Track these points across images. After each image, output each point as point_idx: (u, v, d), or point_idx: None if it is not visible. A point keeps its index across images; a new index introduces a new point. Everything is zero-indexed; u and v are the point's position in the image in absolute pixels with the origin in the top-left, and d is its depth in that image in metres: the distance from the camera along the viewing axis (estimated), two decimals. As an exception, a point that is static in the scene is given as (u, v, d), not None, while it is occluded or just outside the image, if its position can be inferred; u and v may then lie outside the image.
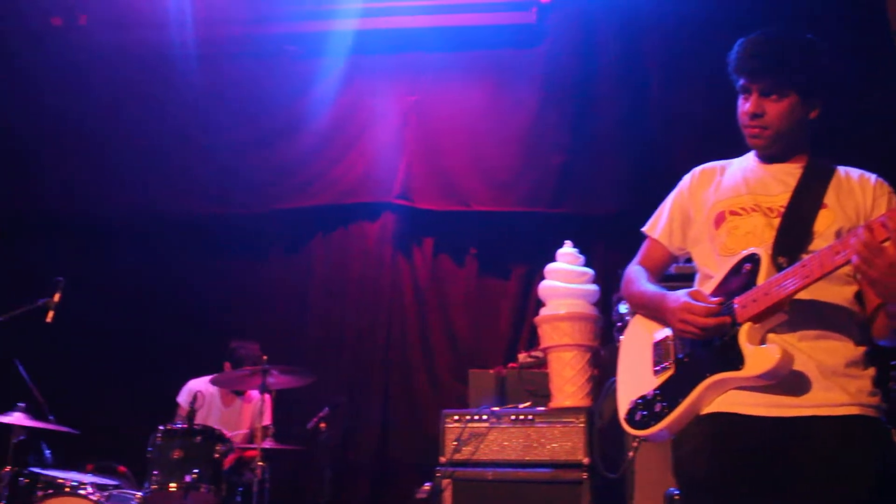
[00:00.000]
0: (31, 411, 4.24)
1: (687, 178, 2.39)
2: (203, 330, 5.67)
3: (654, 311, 2.23)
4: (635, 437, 2.31)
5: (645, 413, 2.15)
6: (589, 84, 5.57)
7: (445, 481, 3.90)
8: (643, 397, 2.18)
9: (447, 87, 5.81)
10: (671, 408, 2.08)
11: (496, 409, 4.04)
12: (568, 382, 4.10)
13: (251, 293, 5.85)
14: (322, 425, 4.51)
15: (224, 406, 5.19)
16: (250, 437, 5.03)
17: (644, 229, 2.45)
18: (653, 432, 2.12)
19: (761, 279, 1.99)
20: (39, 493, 4.01)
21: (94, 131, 5.92)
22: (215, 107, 5.87)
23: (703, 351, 2.07)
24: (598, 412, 3.49)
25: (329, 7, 5.77)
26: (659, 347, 2.21)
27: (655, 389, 2.15)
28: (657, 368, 2.18)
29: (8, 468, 4.04)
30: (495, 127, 5.64)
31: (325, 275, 5.81)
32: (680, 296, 2.12)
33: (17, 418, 4.10)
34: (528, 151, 5.56)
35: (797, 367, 1.95)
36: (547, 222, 5.46)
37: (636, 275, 2.38)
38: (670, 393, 2.11)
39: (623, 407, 2.24)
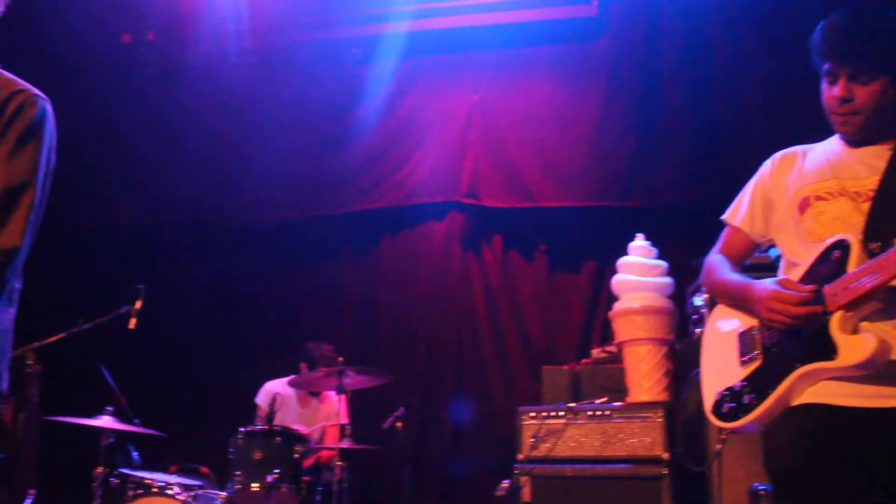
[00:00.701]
0: (118, 415, 4.37)
1: (768, 164, 2.33)
2: (278, 333, 5.79)
3: (740, 301, 2.18)
4: (722, 429, 2.27)
5: (733, 405, 2.10)
6: (653, 74, 5.48)
7: (524, 478, 3.90)
8: (730, 389, 2.13)
9: (510, 84, 5.79)
10: (760, 399, 2.03)
11: (572, 405, 4.02)
12: (644, 377, 4.05)
13: (323, 296, 5.94)
14: (398, 424, 4.55)
15: (301, 407, 5.27)
16: (327, 438, 5.11)
17: (724, 217, 2.40)
18: (741, 424, 2.07)
19: (852, 266, 1.93)
20: (130, 493, 4.12)
21: (167, 143, 6.07)
22: (279, 114, 5.95)
23: (792, 341, 2.02)
24: (682, 404, 3.44)
25: (390, 9, 5.81)
26: (745, 338, 2.16)
27: (743, 380, 2.11)
28: (744, 359, 2.13)
29: (100, 469, 4.16)
30: (560, 122, 5.60)
31: (395, 276, 5.86)
32: (768, 284, 2.07)
33: (105, 421, 4.21)
34: (595, 145, 5.50)
35: (894, 355, 1.88)
36: (616, 216, 5.40)
37: (718, 264, 2.33)
38: (759, 384, 2.06)
39: (709, 399, 2.20)
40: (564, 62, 5.70)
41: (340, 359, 4.48)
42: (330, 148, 5.90)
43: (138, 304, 4.28)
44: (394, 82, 5.93)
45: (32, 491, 4.53)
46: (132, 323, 4.29)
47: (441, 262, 5.73)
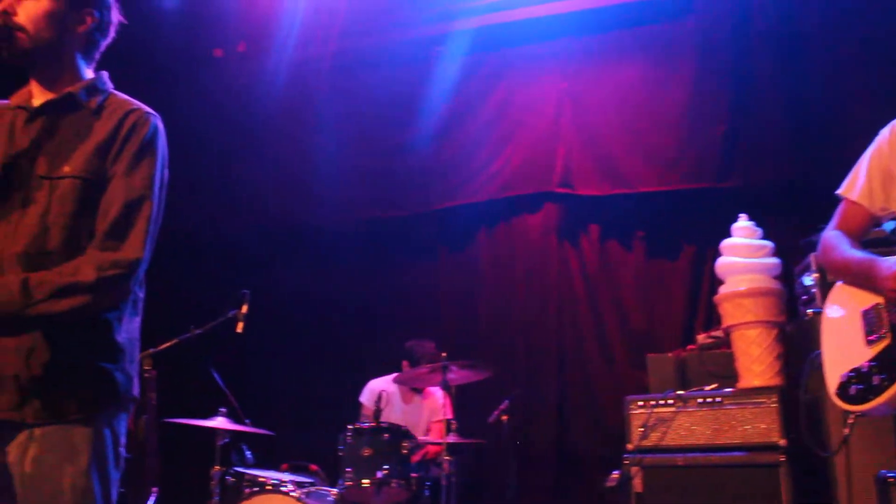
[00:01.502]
0: (231, 416, 4.52)
1: (885, 133, 2.22)
2: (379, 332, 5.87)
3: (863, 279, 2.09)
4: (849, 412, 2.17)
5: (861, 387, 2.01)
6: (745, 50, 5.31)
7: (634, 468, 3.84)
8: (856, 370, 2.04)
9: (598, 70, 5.71)
10: (892, 380, 1.93)
11: (681, 392, 3.93)
12: (755, 361, 3.93)
13: (422, 292, 5.99)
14: (503, 418, 4.55)
15: (404, 403, 5.33)
16: (432, 433, 5.15)
17: (839, 192, 2.30)
18: (871, 407, 1.99)
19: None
20: (246, 491, 4.25)
21: (260, 152, 6.24)
22: (369, 115, 6.04)
23: (923, 317, 1.92)
24: (803, 388, 3.31)
25: (472, 4, 5.80)
26: (870, 316, 2.07)
27: (871, 361, 2.02)
28: (870, 339, 2.04)
29: (217, 468, 4.31)
30: (652, 104, 5.49)
31: (493, 269, 5.86)
32: (894, 261, 1.97)
33: (220, 422, 4.36)
34: (689, 126, 5.36)
35: None
36: (713, 197, 5.26)
37: (836, 240, 2.24)
38: (889, 364, 1.96)
39: (833, 381, 2.11)
40: (652, 43, 5.58)
41: (444, 354, 4.51)
42: (420, 145, 5.94)
43: (244, 309, 4.41)
44: (480, 76, 5.93)
45: (155, 489, 4.72)
46: (240, 327, 4.42)
47: (538, 254, 5.70)
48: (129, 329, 2.04)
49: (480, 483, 5.40)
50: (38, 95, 2.11)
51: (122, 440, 2.03)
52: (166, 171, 2.12)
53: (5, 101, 2.17)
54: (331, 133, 6.09)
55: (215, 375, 4.79)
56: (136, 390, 2.06)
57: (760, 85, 5.24)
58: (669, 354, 4.48)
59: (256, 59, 6.28)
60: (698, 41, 5.41)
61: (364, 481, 4.15)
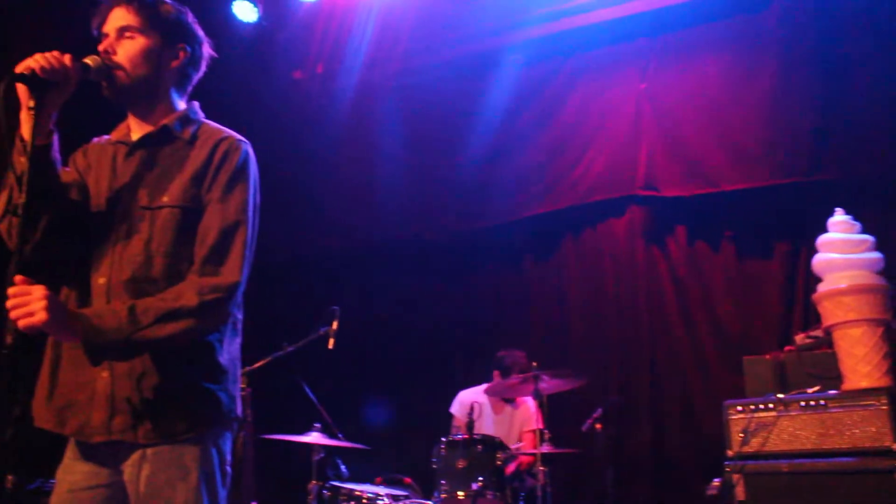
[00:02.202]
0: (325, 431, 4.59)
1: None
2: (468, 343, 5.88)
3: None
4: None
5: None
6: (833, 39, 5.11)
7: (736, 476, 3.71)
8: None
9: (677, 68, 5.60)
10: None
11: (781, 395, 3.79)
12: (861, 361, 3.76)
13: (510, 302, 5.99)
14: (597, 426, 4.49)
15: (495, 414, 5.32)
16: (524, 443, 5.12)
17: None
18: None
19: None
20: (343, 505, 4.32)
21: (341, 169, 6.35)
22: (446, 128, 6.06)
23: None
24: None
25: (546, 10, 5.78)
26: None
27: None
28: None
29: (313, 482, 4.39)
30: (735, 100, 5.34)
31: (580, 276, 5.81)
32: None
33: (315, 438, 4.44)
34: (775, 120, 5.19)
35: None
36: (805, 192, 5.08)
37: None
38: None
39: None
40: (732, 37, 5.45)
41: (535, 364, 4.48)
42: (501, 156, 5.94)
43: (335, 325, 4.49)
44: (557, 82, 5.90)
45: (254, 503, 4.84)
46: (331, 343, 4.51)
47: (626, 259, 5.62)
48: (230, 350, 2.11)
49: (576, 493, 5.33)
50: (136, 129, 2.20)
51: (228, 458, 2.10)
52: (258, 195, 2.18)
53: (106, 137, 2.27)
54: (412, 148, 6.15)
55: (308, 391, 4.89)
56: (239, 410, 2.12)
57: (852, 72, 5.04)
58: (767, 357, 4.32)
59: (334, 80, 6.40)
60: (783, 33, 5.25)
61: (459, 493, 4.16)
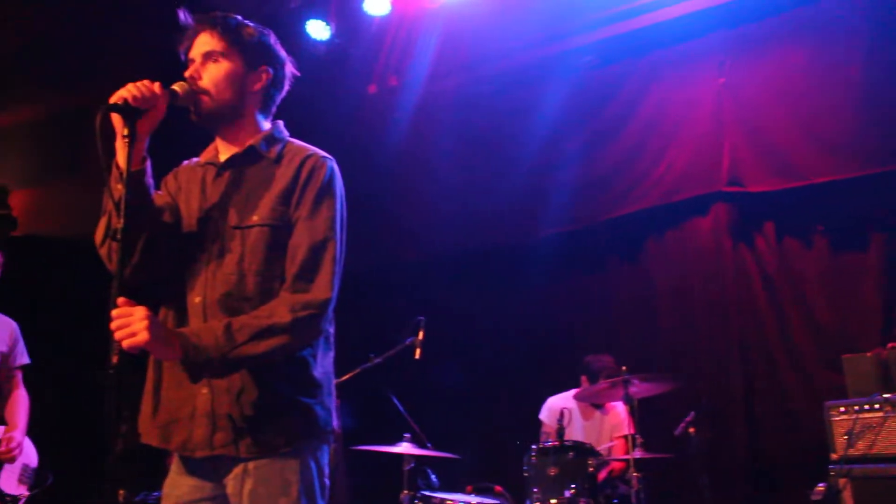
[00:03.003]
0: (414, 440, 4.61)
1: None
2: (553, 349, 5.83)
3: None
4: None
5: None
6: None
7: (842, 480, 3.58)
8: None
9: (757, 60, 5.44)
10: None
11: (887, 395, 3.64)
12: (973, 357, 3.57)
13: (595, 306, 5.91)
14: (691, 430, 4.38)
15: (584, 420, 5.25)
16: (615, 449, 5.04)
17: None
18: None
19: None
20: (436, 515, 4.32)
21: (421, 181, 6.37)
22: (521, 134, 6.02)
23: None
24: None
25: (620, 8, 5.70)
26: None
27: None
28: None
29: (405, 492, 4.41)
30: (820, 89, 5.15)
31: (665, 277, 5.68)
32: None
33: (405, 448, 4.46)
34: (864, 108, 4.98)
35: None
36: (902, 180, 4.87)
37: None
38: None
39: None
40: (815, 25, 5.26)
41: (624, 368, 4.41)
42: (578, 159, 5.88)
43: (421, 335, 4.52)
44: (633, 81, 5.81)
45: (346, 514, 4.89)
46: (417, 353, 4.54)
47: (712, 258, 5.47)
48: (323, 364, 2.14)
49: (670, 499, 5.21)
50: (224, 151, 2.25)
51: (326, 471, 2.13)
52: (345, 211, 2.20)
53: (196, 159, 2.33)
54: (486, 156, 6.14)
55: (395, 402, 4.92)
56: (335, 422, 2.14)
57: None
58: (868, 354, 4.15)
59: (407, 91, 6.45)
60: (869, 15, 5.05)
61: (552, 501, 4.13)
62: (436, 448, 4.64)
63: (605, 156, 5.82)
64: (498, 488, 4.82)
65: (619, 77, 5.87)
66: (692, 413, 4.47)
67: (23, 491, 4.19)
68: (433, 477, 4.77)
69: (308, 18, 6.07)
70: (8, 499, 4.10)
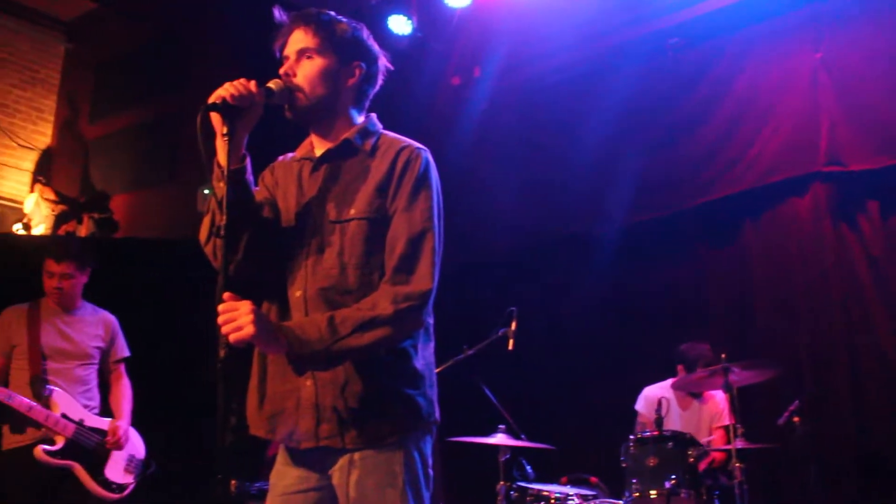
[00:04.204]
0: (509, 432, 4.60)
1: None
2: (648, 337, 5.72)
3: None
4: None
5: None
6: None
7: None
8: None
9: (856, 32, 5.18)
10: None
11: None
12: None
13: (689, 292, 5.76)
14: (795, 419, 4.22)
15: (682, 409, 5.14)
16: (715, 440, 4.92)
17: None
18: None
19: None
20: (532, 505, 4.30)
21: (507, 170, 6.34)
22: (606, 122, 5.90)
23: None
24: None
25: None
26: None
27: None
28: None
29: (501, 483, 4.41)
30: (928, 59, 4.89)
31: (763, 261, 5.49)
32: None
33: (500, 439, 4.46)
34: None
35: None
36: None
37: None
38: None
39: None
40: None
41: (724, 355, 4.28)
42: (669, 142, 5.74)
43: (514, 326, 4.51)
44: (723, 61, 5.64)
45: (441, 504, 4.91)
46: (510, 344, 4.53)
47: (812, 240, 5.25)
48: (424, 355, 2.14)
49: (775, 491, 5.04)
50: (319, 145, 2.27)
51: (430, 461, 2.13)
52: (441, 201, 2.20)
53: (291, 154, 2.37)
54: (575, 140, 6.05)
55: (488, 393, 4.92)
56: (437, 413, 2.15)
57: None
58: None
59: (492, 81, 6.43)
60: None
61: (652, 492, 4.05)
62: (530, 439, 4.62)
63: (697, 139, 5.66)
64: (593, 479, 4.78)
65: (708, 56, 5.71)
66: (796, 402, 4.31)
67: (129, 480, 4.36)
68: (528, 468, 4.76)
69: (390, 14, 6.13)
70: (115, 486, 4.28)
